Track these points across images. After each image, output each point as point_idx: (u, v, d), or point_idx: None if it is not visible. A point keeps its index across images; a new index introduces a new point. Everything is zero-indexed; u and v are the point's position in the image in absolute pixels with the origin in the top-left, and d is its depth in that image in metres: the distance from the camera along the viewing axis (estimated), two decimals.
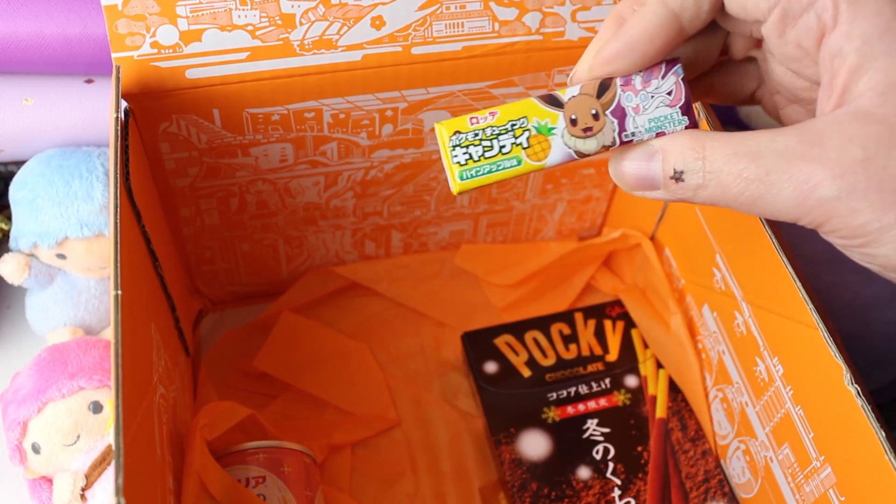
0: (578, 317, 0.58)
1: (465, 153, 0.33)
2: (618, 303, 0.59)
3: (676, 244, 0.56)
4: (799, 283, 0.40)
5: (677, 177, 0.32)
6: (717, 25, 0.36)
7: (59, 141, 0.53)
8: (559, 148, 0.34)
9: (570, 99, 0.34)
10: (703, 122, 0.46)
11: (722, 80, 0.40)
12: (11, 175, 0.54)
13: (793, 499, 0.44)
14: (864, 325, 0.61)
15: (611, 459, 0.52)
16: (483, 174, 0.33)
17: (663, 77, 0.34)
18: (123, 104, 0.44)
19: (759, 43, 0.37)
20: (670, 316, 0.56)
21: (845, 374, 0.38)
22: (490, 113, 0.34)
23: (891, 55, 0.30)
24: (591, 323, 0.58)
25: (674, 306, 0.55)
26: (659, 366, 0.56)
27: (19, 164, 0.54)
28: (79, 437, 0.47)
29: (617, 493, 0.51)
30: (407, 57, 0.46)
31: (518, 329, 0.57)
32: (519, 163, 0.34)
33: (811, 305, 0.40)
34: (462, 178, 0.33)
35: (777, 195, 0.30)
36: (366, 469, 0.53)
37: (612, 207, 0.62)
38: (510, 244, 0.63)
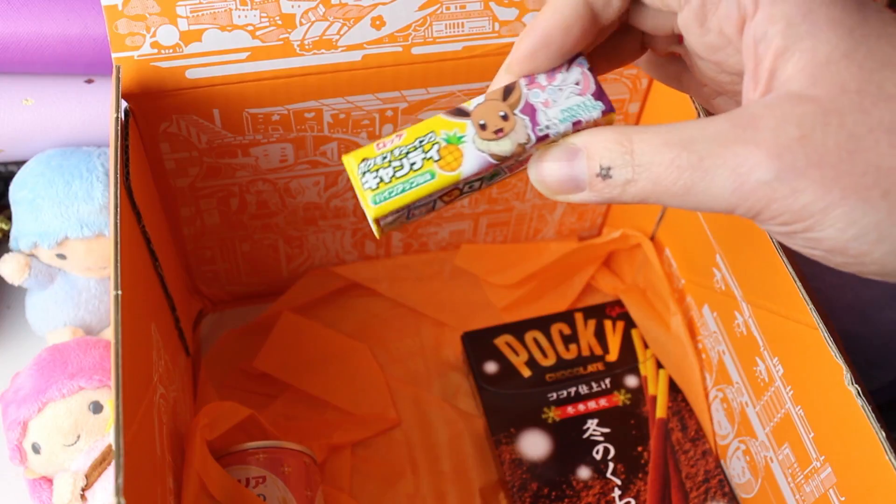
0: (578, 317, 0.58)
1: (375, 177, 0.33)
2: (618, 303, 0.59)
3: (676, 244, 0.56)
4: (799, 283, 0.40)
5: (604, 174, 0.31)
6: (631, 27, 0.35)
7: (59, 141, 0.53)
8: (472, 154, 0.33)
9: (476, 107, 0.33)
10: None
11: (650, 73, 0.39)
12: (11, 175, 0.54)
13: (793, 499, 0.44)
14: (864, 325, 0.61)
15: (611, 459, 0.52)
16: (397, 194, 0.32)
17: (568, 70, 0.33)
18: (123, 104, 0.44)
19: (679, 38, 0.35)
20: (670, 316, 0.56)
21: (845, 374, 0.38)
22: (397, 135, 0.33)
23: (816, 36, 0.29)
24: (591, 323, 0.58)
25: (674, 306, 0.55)
26: (659, 366, 0.56)
27: (19, 164, 0.54)
28: (79, 437, 0.47)
29: (617, 493, 0.51)
30: (407, 57, 0.46)
31: (518, 329, 0.57)
32: (433, 176, 0.33)
33: (811, 305, 0.40)
34: (376, 202, 0.32)
35: (712, 182, 0.29)
36: (366, 469, 0.53)
37: (612, 207, 0.62)
38: (510, 244, 0.63)
